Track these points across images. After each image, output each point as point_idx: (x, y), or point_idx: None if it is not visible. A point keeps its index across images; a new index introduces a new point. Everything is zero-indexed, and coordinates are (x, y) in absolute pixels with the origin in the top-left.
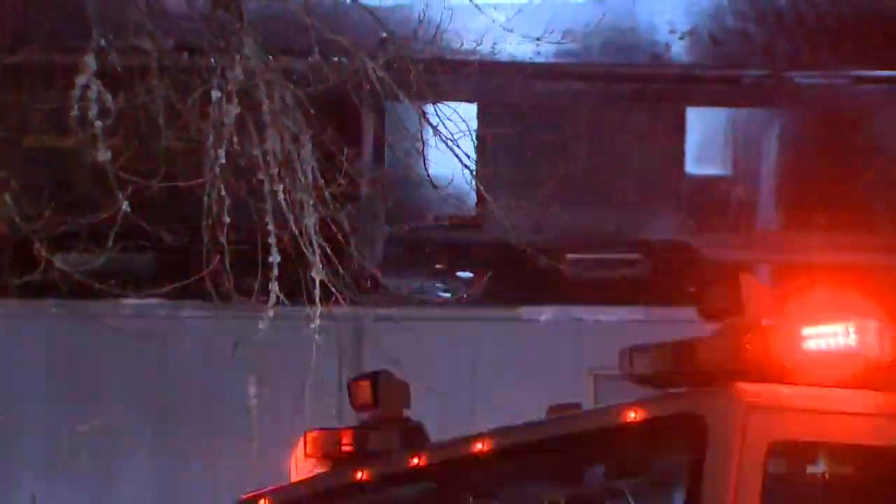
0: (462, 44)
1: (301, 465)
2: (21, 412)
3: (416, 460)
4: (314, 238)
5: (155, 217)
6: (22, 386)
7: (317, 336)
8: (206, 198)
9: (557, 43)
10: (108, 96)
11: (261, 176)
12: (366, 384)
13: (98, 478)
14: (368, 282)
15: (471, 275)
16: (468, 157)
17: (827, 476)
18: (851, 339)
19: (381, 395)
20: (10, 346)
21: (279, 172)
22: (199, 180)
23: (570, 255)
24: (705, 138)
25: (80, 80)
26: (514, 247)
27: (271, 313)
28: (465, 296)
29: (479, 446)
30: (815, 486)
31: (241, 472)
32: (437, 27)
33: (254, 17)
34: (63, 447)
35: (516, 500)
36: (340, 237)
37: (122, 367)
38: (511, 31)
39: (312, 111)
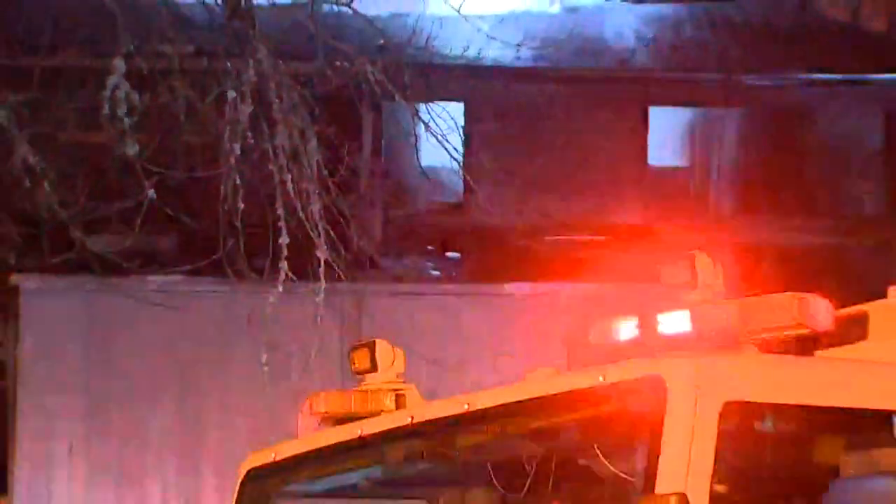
0: (450, 50)
1: (307, 423)
2: (60, 373)
3: (409, 419)
4: (319, 222)
5: (177, 203)
6: (61, 351)
7: (321, 309)
8: (222, 186)
9: (535, 49)
10: (136, 96)
11: (271, 167)
12: (364, 351)
13: (127, 429)
14: (367, 261)
15: (458, 255)
16: (456, 150)
17: (773, 433)
18: (794, 312)
19: (378, 361)
20: (51, 317)
21: (287, 164)
22: (216, 171)
23: (546, 237)
24: (665, 134)
25: (111, 81)
26: (496, 229)
27: (280, 289)
28: (452, 273)
29: (465, 406)
30: (763, 441)
31: (253, 429)
32: (428, 35)
33: (265, 25)
34: (97, 403)
35: (496, 454)
36: (342, 222)
37: (148, 336)
38: (494, 38)
39: (317, 110)
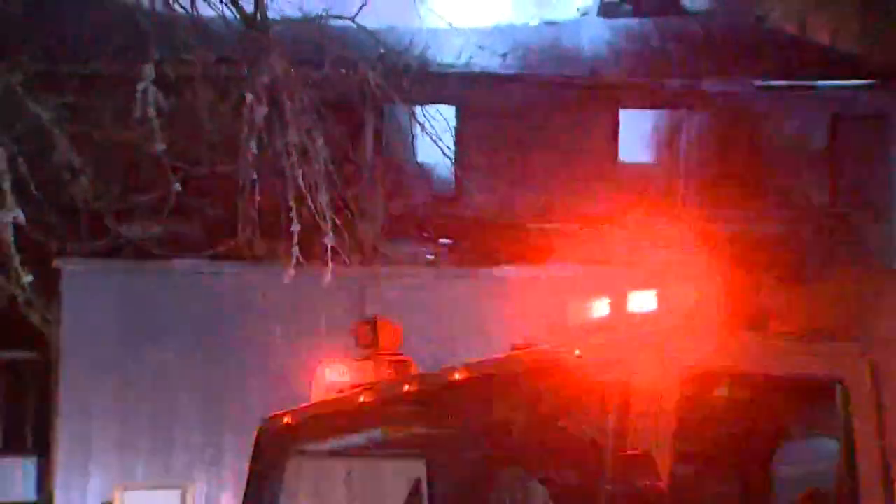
0: (443, 58)
1: (317, 391)
2: (97, 346)
3: (406, 387)
4: (326, 212)
5: (200, 195)
6: (98, 326)
7: (328, 289)
8: (240, 180)
9: (519, 58)
10: (163, 99)
11: (283, 163)
12: (367, 326)
13: (158, 394)
14: (369, 247)
15: (450, 241)
16: (449, 148)
17: (728, 398)
18: (745, 292)
19: (380, 335)
20: (88, 297)
21: (298, 160)
22: (235, 166)
23: (529, 225)
24: (635, 134)
25: (141, 86)
26: (485, 219)
27: (292, 271)
28: (445, 258)
29: (456, 376)
30: (720, 406)
31: (269, 395)
32: (424, 46)
33: (279, 36)
34: (129, 372)
35: (484, 417)
36: (347, 211)
37: (175, 312)
38: (483, 48)
39: (325, 112)
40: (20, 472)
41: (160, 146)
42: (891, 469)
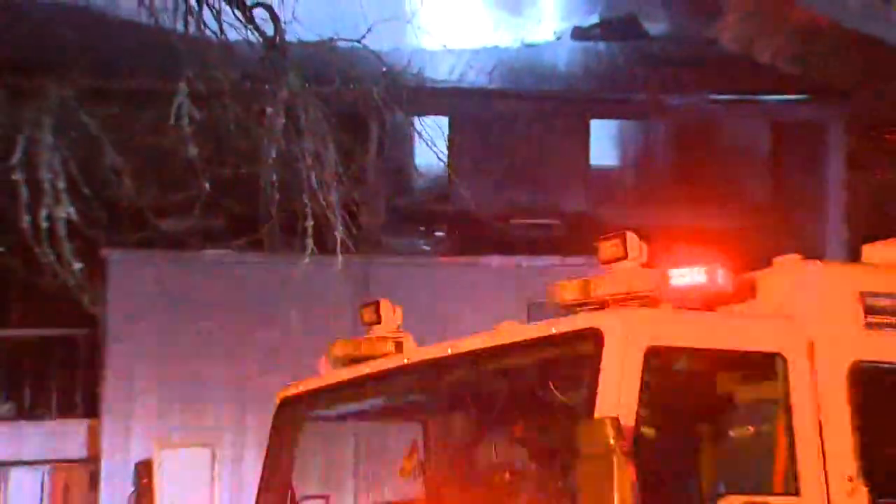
0: (438, 75)
1: (328, 364)
2: (137, 326)
3: (405, 360)
4: (336, 208)
5: (227, 194)
6: (138, 308)
7: (338, 275)
8: (261, 180)
9: (504, 75)
10: (195, 111)
11: (299, 166)
12: (371, 308)
13: (191, 366)
14: (373, 239)
15: (443, 234)
16: (442, 153)
17: (685, 370)
18: (702, 278)
19: (382, 315)
20: (131, 282)
21: (312, 163)
22: (257, 168)
23: (512, 221)
24: (604, 141)
25: (176, 99)
26: (474, 214)
27: (307, 260)
28: (439, 248)
29: (448, 350)
30: (678, 377)
31: (285, 368)
32: (420, 64)
33: (295, 56)
34: (165, 349)
35: (473, 387)
36: (354, 208)
37: (205, 296)
38: (471, 66)
39: (335, 122)
40: (73, 434)
41: (192, 151)
42: (822, 428)
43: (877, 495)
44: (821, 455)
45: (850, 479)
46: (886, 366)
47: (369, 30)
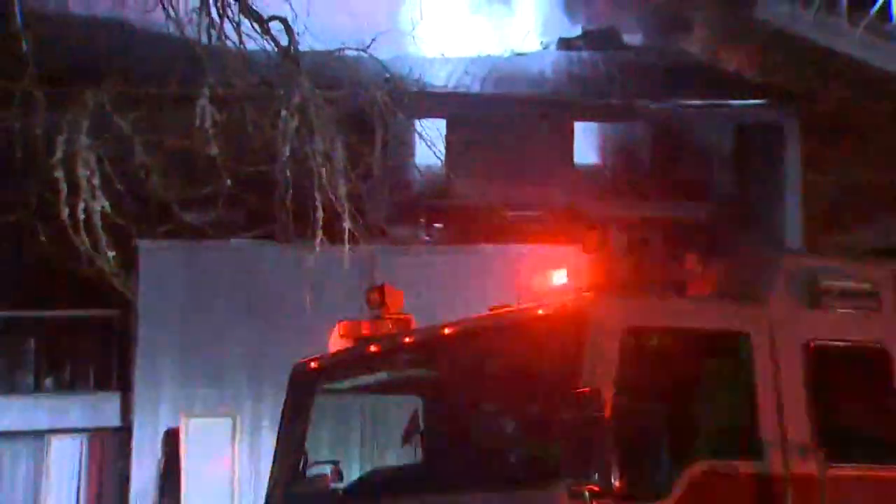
0: (436, 82)
1: (337, 342)
2: (166, 309)
3: (407, 339)
4: (344, 202)
5: (245, 188)
6: (167, 292)
7: (346, 263)
8: (277, 177)
9: (496, 81)
10: (217, 113)
11: (311, 163)
12: (376, 292)
13: (213, 344)
14: (378, 230)
15: (441, 225)
16: (440, 152)
17: (658, 347)
18: (673, 265)
19: (386, 299)
20: (159, 268)
21: (322, 161)
22: (273, 166)
23: (505, 213)
24: (586, 141)
25: (199, 103)
26: (470, 207)
27: (318, 249)
28: (438, 238)
29: (445, 331)
30: (652, 353)
31: (298, 346)
32: (421, 71)
33: (307, 64)
34: (191, 329)
35: (468, 362)
36: (360, 201)
37: (226, 281)
38: (467, 73)
39: (343, 124)
40: (108, 405)
41: (214, 151)
42: (780, 399)
43: (829, 459)
44: (780, 423)
45: (806, 445)
46: (836, 343)
47: (374, 40)
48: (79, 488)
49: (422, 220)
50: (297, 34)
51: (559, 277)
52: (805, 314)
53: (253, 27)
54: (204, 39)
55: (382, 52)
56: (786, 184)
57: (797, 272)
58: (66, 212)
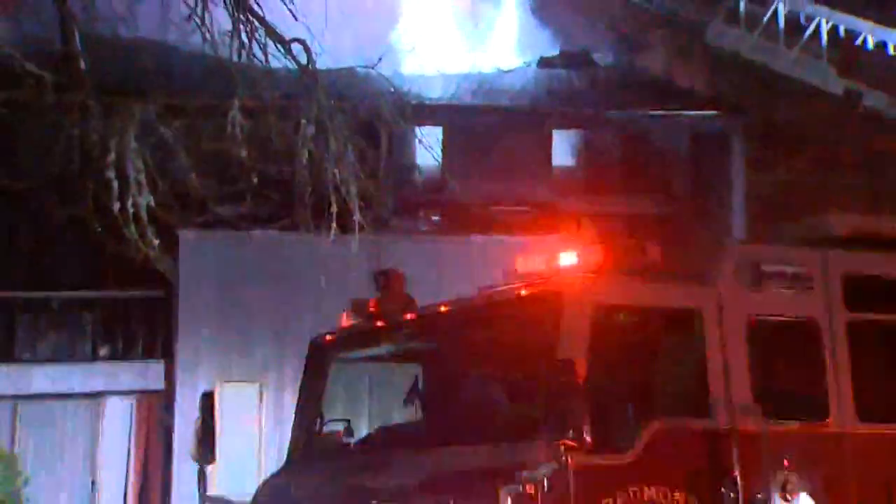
0: (434, 94)
1: (347, 320)
2: (203, 292)
3: (409, 316)
4: (354, 197)
5: (270, 186)
6: (204, 275)
7: (356, 250)
8: (297, 176)
9: (485, 94)
10: (245, 122)
11: (326, 165)
12: (383, 275)
13: (243, 320)
14: (384, 222)
15: (439, 218)
16: (438, 155)
17: (625, 323)
18: (637, 251)
19: (391, 281)
20: (197, 255)
21: (336, 163)
22: (294, 167)
23: (494, 208)
24: (563, 146)
25: (231, 113)
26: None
27: (332, 238)
28: (436, 230)
29: (442, 309)
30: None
31: (316, 322)
32: (420, 85)
33: (323, 80)
34: (224, 309)
35: (463, 337)
36: (369, 197)
37: (254, 267)
38: (460, 87)
39: (354, 130)
40: (154, 371)
41: (243, 154)
42: (727, 366)
43: (768, 416)
44: (727, 386)
45: (749, 405)
46: (775, 318)
47: (380, 59)
48: (129, 441)
49: (422, 213)
50: (315, 54)
51: (540, 263)
52: (749, 293)
53: (277, 48)
54: (235, 58)
55: (388, 69)
56: (733, 183)
57: (742, 258)
58: (117, 206)
